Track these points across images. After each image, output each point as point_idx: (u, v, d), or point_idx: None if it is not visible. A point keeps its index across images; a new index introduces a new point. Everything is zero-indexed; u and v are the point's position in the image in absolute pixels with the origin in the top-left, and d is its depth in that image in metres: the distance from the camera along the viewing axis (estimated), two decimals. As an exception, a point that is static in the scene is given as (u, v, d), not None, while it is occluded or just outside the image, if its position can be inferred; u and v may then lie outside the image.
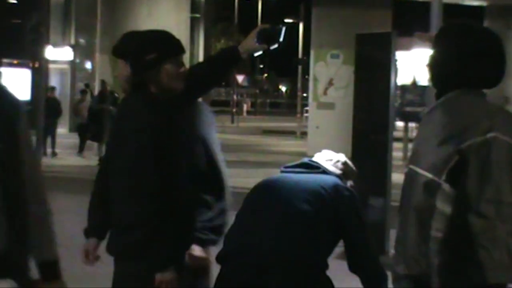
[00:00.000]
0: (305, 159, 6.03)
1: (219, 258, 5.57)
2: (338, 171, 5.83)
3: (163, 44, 5.55)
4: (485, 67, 4.63)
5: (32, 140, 4.05)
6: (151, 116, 5.37)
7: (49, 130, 25.42)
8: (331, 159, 5.91)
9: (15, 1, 54.99)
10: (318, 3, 32.41)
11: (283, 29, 5.80)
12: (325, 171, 5.81)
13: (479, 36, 4.80)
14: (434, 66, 4.76)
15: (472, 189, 4.40)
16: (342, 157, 5.97)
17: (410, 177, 4.61)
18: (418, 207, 4.53)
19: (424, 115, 4.92)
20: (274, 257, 5.38)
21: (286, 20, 60.29)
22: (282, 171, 6.05)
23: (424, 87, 23.82)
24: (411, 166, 4.61)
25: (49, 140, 26.05)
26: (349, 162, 6.03)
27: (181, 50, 5.59)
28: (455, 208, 4.37)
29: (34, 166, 3.92)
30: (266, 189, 5.89)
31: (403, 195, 4.70)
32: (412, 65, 24.90)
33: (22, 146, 3.78)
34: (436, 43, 4.80)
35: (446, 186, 4.43)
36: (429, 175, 4.48)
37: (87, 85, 31.75)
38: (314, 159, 5.95)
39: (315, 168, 5.82)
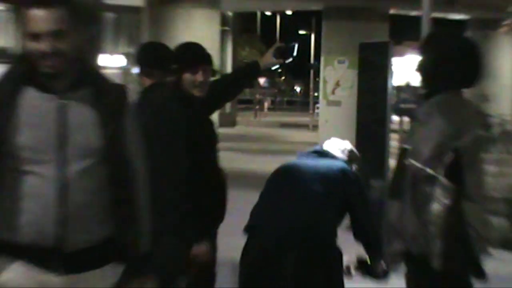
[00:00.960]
0: (317, 147, 5.99)
1: (245, 230, 5.57)
2: (345, 157, 5.77)
3: (183, 57, 5.52)
4: (467, 70, 4.66)
5: (138, 133, 3.66)
6: (185, 111, 5.32)
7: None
8: (338, 147, 5.86)
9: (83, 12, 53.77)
10: (327, 17, 31.99)
11: (296, 46, 5.90)
12: (333, 157, 5.75)
13: (461, 43, 4.86)
14: (424, 70, 4.75)
15: (469, 181, 4.44)
16: (348, 145, 5.93)
17: (410, 170, 4.55)
18: (416, 195, 4.51)
19: (422, 116, 4.81)
20: (292, 231, 5.36)
21: (300, 32, 60.26)
22: (298, 156, 6.05)
23: (416, 87, 22.12)
24: (412, 161, 4.55)
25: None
26: (354, 149, 6.01)
27: (200, 62, 5.51)
28: (454, 198, 4.34)
29: (138, 158, 3.61)
30: (285, 172, 5.82)
31: (398, 183, 4.68)
32: (405, 68, 25.11)
33: (127, 136, 3.49)
34: (424, 50, 4.82)
35: (443, 179, 4.41)
36: (428, 170, 4.44)
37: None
38: (324, 146, 5.90)
39: (325, 154, 5.77)
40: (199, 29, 26.70)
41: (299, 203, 5.52)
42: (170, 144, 4.75)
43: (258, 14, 58.33)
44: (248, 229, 5.60)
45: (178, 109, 5.35)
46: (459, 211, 4.43)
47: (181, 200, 4.79)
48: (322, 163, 5.71)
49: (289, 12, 53.07)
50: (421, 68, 4.85)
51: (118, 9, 35.62)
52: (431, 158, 4.46)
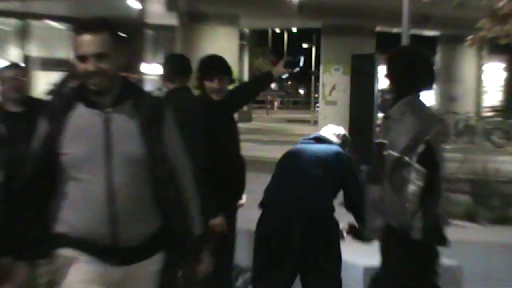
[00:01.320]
0: (316, 134, 5.93)
1: (260, 205, 5.50)
2: (339, 141, 5.75)
3: (203, 67, 5.54)
4: (423, 78, 4.73)
5: (177, 135, 3.46)
6: (203, 110, 5.40)
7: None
8: (333, 132, 5.83)
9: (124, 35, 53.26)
10: (325, 33, 31.80)
11: (302, 58, 5.88)
12: (330, 142, 5.71)
13: (419, 57, 4.87)
14: (392, 77, 4.76)
15: (438, 165, 4.51)
16: (342, 130, 5.91)
17: (389, 159, 4.56)
18: (394, 179, 4.52)
19: (395, 115, 4.78)
20: (299, 206, 5.31)
21: (304, 45, 59.64)
22: (301, 142, 5.93)
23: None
24: (390, 152, 4.56)
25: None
26: (347, 134, 5.96)
27: (216, 72, 5.52)
28: (427, 179, 4.37)
29: (180, 157, 3.43)
30: (291, 157, 5.77)
31: (378, 171, 4.68)
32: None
33: (167, 139, 3.31)
34: (391, 62, 4.82)
35: (417, 165, 4.44)
36: (405, 158, 4.45)
37: (159, 89, 30.02)
38: (321, 132, 5.86)
39: (323, 140, 5.74)
40: (222, 43, 26.67)
41: (303, 183, 5.45)
42: (192, 135, 4.60)
43: (270, 31, 57.84)
44: (262, 204, 5.54)
45: (198, 108, 5.41)
46: (430, 190, 4.44)
47: (202, 181, 4.54)
48: (321, 148, 5.68)
49: (294, 29, 52.17)
50: (389, 76, 4.86)
51: (157, 27, 35.55)
52: (406, 148, 4.46)
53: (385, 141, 4.68)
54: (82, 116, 3.19)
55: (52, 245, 3.24)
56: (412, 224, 4.50)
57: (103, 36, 3.17)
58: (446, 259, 6.10)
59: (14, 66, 5.61)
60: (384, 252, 4.91)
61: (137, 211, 3.17)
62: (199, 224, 3.38)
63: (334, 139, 5.83)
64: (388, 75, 4.86)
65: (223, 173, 5.40)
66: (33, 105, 4.98)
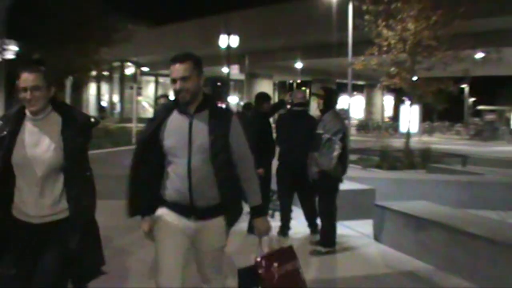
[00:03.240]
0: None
1: (277, 159, 7.84)
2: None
3: (260, 97, 8.49)
4: (334, 101, 7.42)
5: (242, 133, 3.85)
6: (260, 118, 8.13)
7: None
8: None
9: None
10: (314, 82, 50.37)
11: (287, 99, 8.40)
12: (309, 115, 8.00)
13: (333, 90, 7.63)
14: (325, 99, 7.26)
15: (346, 143, 7.14)
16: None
17: (323, 138, 6.96)
18: (326, 148, 6.97)
19: (327, 119, 7.15)
20: (300, 158, 7.46)
21: (303, 88, 61.61)
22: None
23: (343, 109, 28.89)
24: (326, 135, 7.00)
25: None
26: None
27: (266, 99, 8.39)
28: (341, 149, 6.93)
29: (244, 147, 3.86)
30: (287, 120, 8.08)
31: (318, 144, 7.08)
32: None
33: (231, 135, 3.77)
34: (324, 92, 7.31)
35: (338, 142, 6.95)
36: (333, 137, 6.93)
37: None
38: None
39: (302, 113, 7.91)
40: (265, 87, 44.42)
41: (296, 144, 7.61)
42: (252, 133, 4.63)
43: (287, 82, 68.91)
44: (278, 159, 7.81)
45: (257, 117, 8.08)
46: (342, 154, 6.96)
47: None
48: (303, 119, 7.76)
49: (298, 81, 64.93)
50: (323, 99, 7.22)
51: (235, 80, 55.22)
52: (334, 133, 6.89)
53: (321, 131, 7.00)
54: (176, 119, 3.79)
55: (158, 205, 3.88)
56: (333, 169, 6.92)
57: (186, 64, 3.69)
58: (365, 186, 9.63)
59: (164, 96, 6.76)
60: (317, 182, 7.21)
61: (205, 184, 3.72)
62: (258, 194, 3.94)
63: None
64: (324, 99, 7.26)
65: (268, 151, 7.98)
66: None
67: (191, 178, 3.68)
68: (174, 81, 3.67)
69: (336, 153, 6.84)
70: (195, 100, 3.73)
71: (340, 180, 7.28)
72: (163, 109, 3.88)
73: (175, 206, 3.76)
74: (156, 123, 3.77)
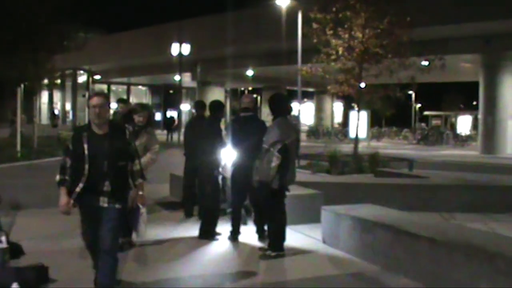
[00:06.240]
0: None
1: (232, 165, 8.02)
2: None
3: (212, 104, 8.62)
4: (286, 107, 7.65)
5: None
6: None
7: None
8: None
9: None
10: (264, 90, 52.21)
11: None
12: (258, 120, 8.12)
13: (284, 97, 8.41)
14: (271, 108, 7.25)
15: (292, 154, 7.18)
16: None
17: (264, 148, 6.98)
18: (266, 158, 6.96)
19: (270, 127, 7.20)
20: (247, 163, 7.53)
21: (254, 95, 62.52)
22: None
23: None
24: (264, 145, 7.01)
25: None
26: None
27: (219, 107, 8.58)
28: (282, 158, 6.89)
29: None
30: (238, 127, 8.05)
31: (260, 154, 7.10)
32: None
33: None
34: (271, 100, 7.37)
35: (276, 153, 6.93)
36: (271, 149, 6.89)
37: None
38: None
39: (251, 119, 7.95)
40: (216, 95, 42.42)
41: (244, 149, 7.74)
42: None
43: (238, 89, 70.03)
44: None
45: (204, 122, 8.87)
46: (283, 166, 6.96)
47: None
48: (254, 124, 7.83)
49: (250, 88, 66.20)
50: (270, 107, 7.20)
51: (187, 88, 56.35)
52: (271, 144, 6.83)
53: (264, 139, 7.07)
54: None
55: None
56: (272, 180, 6.94)
57: None
58: (313, 190, 9.78)
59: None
60: (257, 190, 7.35)
61: None
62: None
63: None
64: (269, 106, 7.23)
65: None
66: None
67: None
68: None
69: (273, 164, 6.83)
70: None
71: (286, 189, 7.31)
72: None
73: None
74: None
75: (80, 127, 5.46)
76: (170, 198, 11.97)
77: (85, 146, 5.05)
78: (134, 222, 5.90)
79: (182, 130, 22.26)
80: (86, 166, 4.99)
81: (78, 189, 5.02)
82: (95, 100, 5.13)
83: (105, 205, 5.03)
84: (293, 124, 7.50)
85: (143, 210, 5.74)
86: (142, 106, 8.05)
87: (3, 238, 6.21)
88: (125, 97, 57.08)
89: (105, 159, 5.02)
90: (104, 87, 63.40)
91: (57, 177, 5.14)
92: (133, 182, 5.30)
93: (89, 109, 5.25)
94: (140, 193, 5.40)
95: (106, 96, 5.24)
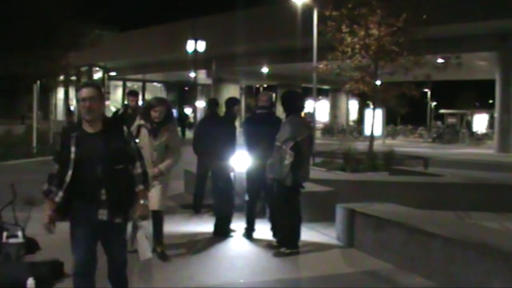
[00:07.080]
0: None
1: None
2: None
3: (228, 101, 8.63)
4: (299, 105, 7.30)
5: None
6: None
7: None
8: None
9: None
10: (280, 87, 50.65)
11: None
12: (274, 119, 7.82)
13: (297, 94, 7.73)
14: (284, 104, 7.17)
15: (306, 152, 6.99)
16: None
17: (276, 146, 6.90)
18: (279, 156, 6.88)
19: (283, 125, 7.08)
20: (263, 160, 7.52)
21: (270, 92, 70.63)
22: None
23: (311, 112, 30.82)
24: (277, 143, 6.94)
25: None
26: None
27: (236, 103, 8.54)
28: (295, 156, 6.80)
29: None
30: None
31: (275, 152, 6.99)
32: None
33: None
34: (283, 98, 7.21)
35: (289, 151, 6.82)
36: (284, 146, 6.79)
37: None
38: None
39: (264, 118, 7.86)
40: (232, 91, 44.88)
41: (260, 146, 7.68)
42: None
43: (253, 86, 69.22)
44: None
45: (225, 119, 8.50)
46: (296, 163, 6.84)
47: None
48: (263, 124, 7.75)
49: (265, 85, 65.74)
50: (283, 103, 7.10)
51: (202, 85, 56.85)
52: (284, 141, 6.73)
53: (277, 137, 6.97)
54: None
55: None
56: (285, 178, 6.89)
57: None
58: (328, 188, 9.77)
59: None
60: (272, 187, 7.37)
61: None
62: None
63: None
64: (282, 104, 7.11)
65: None
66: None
67: None
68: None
69: (286, 162, 6.77)
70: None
71: (301, 186, 7.28)
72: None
73: None
74: None
75: (70, 126, 4.68)
76: (185, 195, 11.94)
77: (72, 149, 4.24)
78: (132, 239, 5.43)
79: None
80: (70, 172, 4.20)
81: (62, 200, 4.26)
82: (84, 92, 4.28)
83: (105, 218, 4.24)
84: (307, 122, 7.43)
85: (141, 224, 4.73)
86: (158, 100, 7.04)
87: (20, 233, 6.31)
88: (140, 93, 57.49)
89: (99, 162, 4.21)
90: (119, 83, 64.08)
91: (44, 187, 4.35)
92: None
93: (78, 103, 4.46)
94: (141, 202, 4.44)
95: (97, 87, 4.36)
